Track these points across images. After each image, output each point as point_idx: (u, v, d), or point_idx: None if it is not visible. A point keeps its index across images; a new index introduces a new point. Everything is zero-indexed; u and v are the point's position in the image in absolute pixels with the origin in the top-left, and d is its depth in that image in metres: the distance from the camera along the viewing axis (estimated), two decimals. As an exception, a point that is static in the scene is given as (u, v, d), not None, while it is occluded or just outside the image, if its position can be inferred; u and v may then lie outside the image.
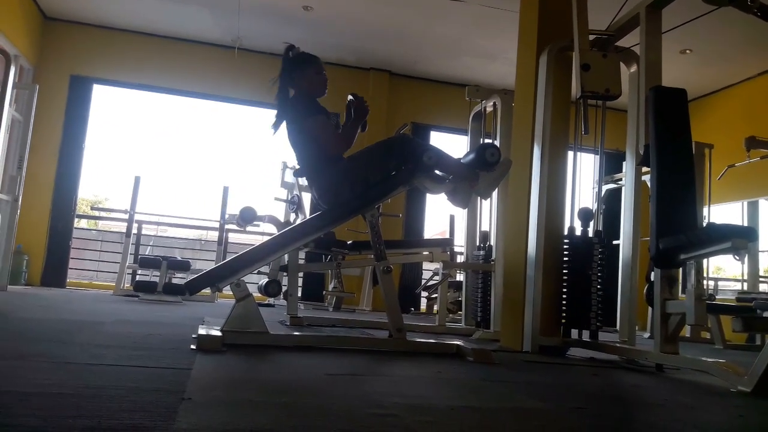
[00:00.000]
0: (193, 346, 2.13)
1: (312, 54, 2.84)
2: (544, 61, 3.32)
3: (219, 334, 2.27)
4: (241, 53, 7.55)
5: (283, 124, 2.79)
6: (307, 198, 6.01)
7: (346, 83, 8.09)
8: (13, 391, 1.23)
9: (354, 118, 2.76)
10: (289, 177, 6.33)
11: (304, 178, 2.86)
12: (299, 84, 2.78)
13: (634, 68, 3.20)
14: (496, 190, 3.97)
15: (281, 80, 2.79)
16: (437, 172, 2.70)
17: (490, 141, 4.45)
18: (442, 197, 2.80)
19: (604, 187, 5.84)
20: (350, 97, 2.80)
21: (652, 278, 2.61)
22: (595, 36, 3.15)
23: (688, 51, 6.87)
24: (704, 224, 4.79)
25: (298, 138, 2.75)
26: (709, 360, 2.31)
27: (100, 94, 7.79)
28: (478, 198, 4.40)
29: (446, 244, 5.10)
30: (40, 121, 6.60)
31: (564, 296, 3.15)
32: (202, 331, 2.30)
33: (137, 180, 6.85)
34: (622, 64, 3.09)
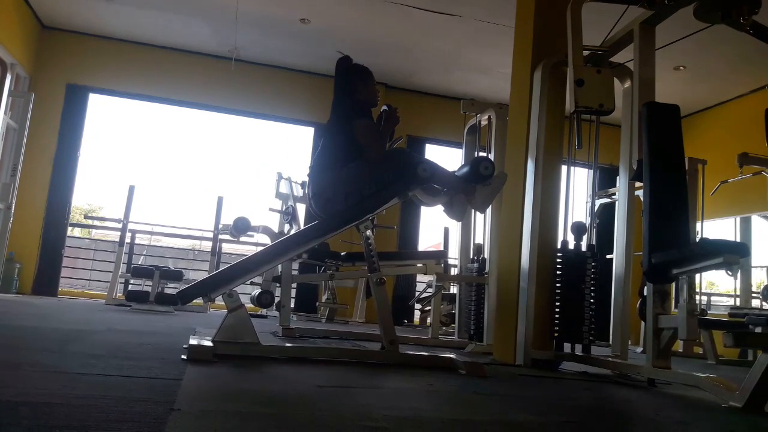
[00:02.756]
0: (183, 357, 2.12)
1: (365, 66, 3.03)
2: (539, 75, 3.35)
3: (210, 344, 2.26)
4: (238, 64, 7.57)
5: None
6: (301, 209, 6.01)
7: (342, 95, 8.12)
8: (2, 401, 1.22)
9: (385, 126, 2.92)
10: (284, 188, 6.34)
11: (309, 175, 2.90)
12: (360, 92, 2.93)
13: (627, 84, 3.22)
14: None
15: (340, 87, 2.94)
16: (432, 185, 2.71)
17: (484, 154, 4.46)
18: (437, 210, 2.81)
19: (598, 202, 5.87)
20: (385, 107, 2.99)
21: (645, 293, 2.62)
22: (589, 52, 3.18)
23: (681, 68, 6.93)
24: (697, 240, 4.80)
25: (337, 133, 2.84)
26: (701, 375, 2.31)
27: (96, 103, 7.78)
28: (473, 211, 4.41)
29: (440, 256, 5.09)
30: (35, 129, 6.59)
31: (557, 310, 3.15)
32: (193, 341, 2.29)
33: (131, 189, 6.84)
34: (615, 80, 3.11)
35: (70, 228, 7.76)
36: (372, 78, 3.00)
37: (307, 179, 2.96)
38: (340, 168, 2.73)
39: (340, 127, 2.83)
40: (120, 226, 6.78)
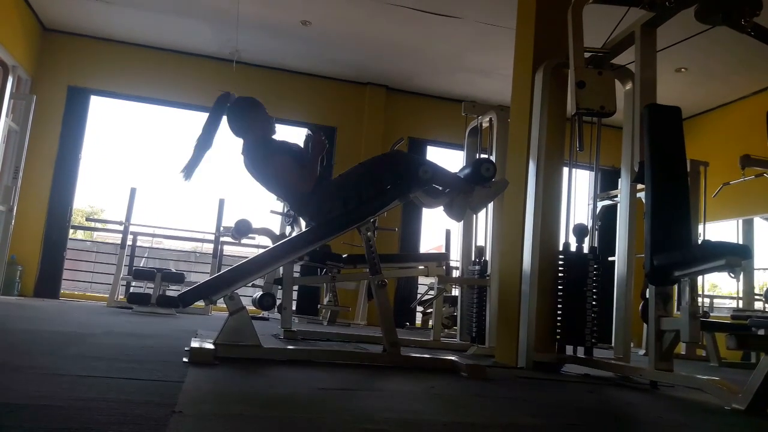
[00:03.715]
0: (185, 359, 2.12)
1: (249, 97, 2.84)
2: (540, 77, 3.34)
3: (211, 347, 2.26)
4: (239, 66, 7.58)
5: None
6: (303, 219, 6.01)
7: (343, 97, 8.15)
8: (3, 403, 1.21)
9: (312, 153, 2.74)
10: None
11: (295, 210, 2.85)
12: (252, 130, 2.76)
13: (629, 86, 3.22)
14: (490, 204, 3.99)
15: (232, 130, 2.77)
16: (433, 186, 2.71)
17: (486, 156, 4.46)
18: (439, 211, 2.80)
19: (600, 204, 5.86)
20: (308, 132, 2.82)
21: (647, 295, 2.61)
22: (590, 53, 3.18)
23: (683, 69, 6.93)
24: (699, 242, 4.80)
25: (269, 183, 2.77)
26: (703, 377, 2.30)
27: (98, 106, 7.80)
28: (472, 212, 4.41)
29: (442, 258, 5.08)
30: (36, 131, 6.60)
31: (559, 312, 3.14)
32: (194, 343, 2.29)
33: (133, 191, 6.85)
34: (617, 82, 3.11)
35: (71, 230, 7.76)
36: (261, 107, 2.82)
37: (292, 215, 2.90)
38: (318, 184, 2.70)
39: (266, 170, 2.73)
40: (121, 228, 6.78)
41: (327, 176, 2.78)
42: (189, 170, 2.68)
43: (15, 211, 5.48)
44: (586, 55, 3.11)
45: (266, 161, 2.71)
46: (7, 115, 5.38)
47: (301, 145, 2.85)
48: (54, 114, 7.26)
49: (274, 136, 2.82)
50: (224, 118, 2.76)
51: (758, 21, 2.71)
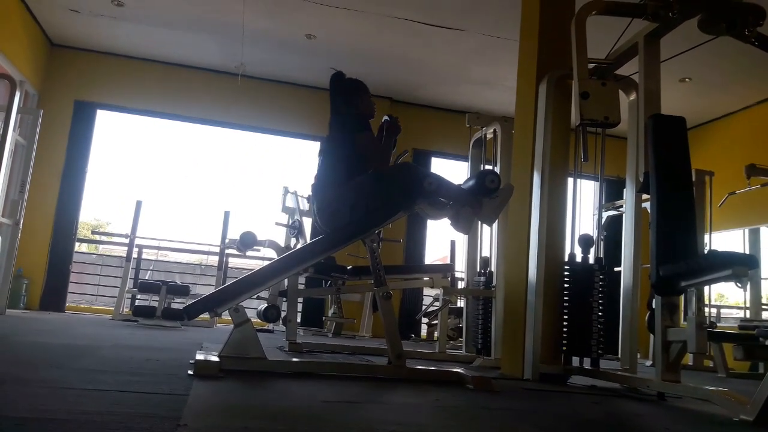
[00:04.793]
0: (190, 372, 2.12)
1: (359, 80, 3.06)
2: (544, 88, 3.35)
3: (216, 359, 2.25)
4: (245, 80, 7.62)
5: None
6: (307, 223, 6.01)
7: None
8: (9, 417, 1.22)
9: (386, 136, 2.95)
10: (290, 202, 6.35)
11: (312, 190, 2.91)
12: (356, 106, 2.96)
13: (633, 96, 3.22)
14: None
15: (336, 102, 2.98)
16: (438, 198, 2.71)
17: (490, 167, 4.46)
18: (444, 223, 2.80)
19: (605, 214, 5.85)
20: (386, 117, 3.00)
21: (654, 305, 2.60)
22: (594, 64, 3.18)
23: (687, 79, 6.93)
24: (705, 251, 4.78)
25: (336, 148, 2.86)
26: (711, 388, 2.28)
27: (104, 120, 7.84)
28: (480, 224, 4.40)
29: (447, 269, 5.07)
30: (43, 145, 6.62)
31: (565, 323, 3.13)
32: (199, 356, 2.28)
33: (138, 204, 6.87)
34: (621, 92, 3.11)
35: (77, 243, 7.78)
36: (367, 91, 3.03)
37: (310, 194, 2.98)
38: (345, 182, 2.74)
39: (341, 141, 2.86)
40: (127, 241, 6.79)
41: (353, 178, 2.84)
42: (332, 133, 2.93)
43: (21, 225, 5.50)
44: (590, 66, 3.11)
45: (355, 135, 2.84)
46: (14, 130, 5.42)
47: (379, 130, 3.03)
48: (61, 128, 7.31)
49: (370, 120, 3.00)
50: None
51: (762, 31, 2.71)
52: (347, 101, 2.96)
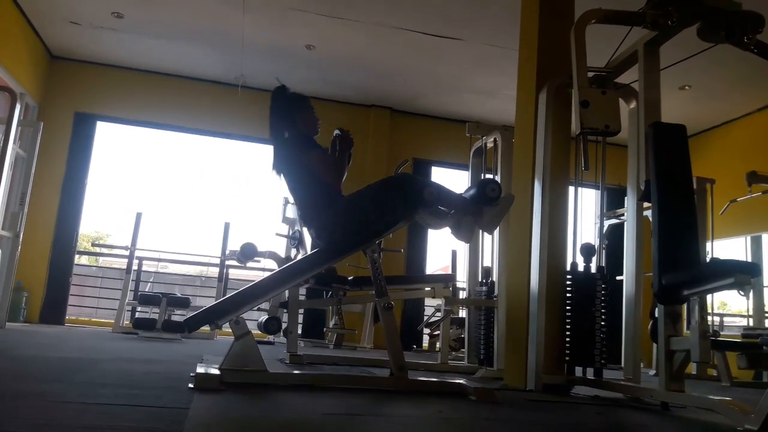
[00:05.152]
0: (191, 385, 2.10)
1: (303, 94, 2.92)
2: (544, 97, 3.35)
3: (217, 372, 2.24)
4: (244, 91, 7.64)
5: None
6: (308, 233, 6.00)
7: (348, 120, 8.18)
8: (9, 431, 1.20)
9: (340, 150, 2.80)
10: (291, 212, 6.34)
11: (302, 220, 2.87)
12: (296, 124, 2.85)
13: (633, 104, 3.22)
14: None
15: (275, 121, 2.86)
16: (439, 207, 2.70)
17: (490, 176, 4.46)
18: (445, 232, 2.79)
19: (606, 223, 5.84)
20: (337, 131, 2.85)
21: (656, 314, 2.58)
22: (594, 73, 3.18)
23: (687, 87, 6.94)
24: (707, 260, 4.77)
25: (298, 176, 2.80)
26: (715, 398, 2.27)
27: (104, 131, 7.85)
28: (481, 233, 4.39)
29: (448, 279, 5.06)
30: (43, 157, 6.63)
31: (567, 333, 3.12)
32: (200, 369, 2.27)
33: (138, 216, 6.86)
34: (621, 101, 3.11)
35: (77, 256, 7.77)
36: (311, 106, 2.91)
37: (301, 223, 2.93)
38: (333, 201, 2.71)
39: (297, 164, 2.78)
40: (127, 253, 6.78)
41: (341, 194, 2.80)
42: (277, 166, 2.83)
43: (21, 237, 5.49)
44: (590, 74, 3.11)
45: (303, 156, 2.77)
46: (14, 142, 5.42)
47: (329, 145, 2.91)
48: (61, 140, 7.32)
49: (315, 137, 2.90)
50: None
51: (761, 38, 2.72)
52: (290, 119, 2.84)
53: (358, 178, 2.73)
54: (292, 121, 2.85)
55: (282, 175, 2.84)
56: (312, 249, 2.84)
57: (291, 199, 6.25)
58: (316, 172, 2.74)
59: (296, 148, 2.80)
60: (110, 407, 1.62)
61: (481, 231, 4.20)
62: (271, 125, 2.86)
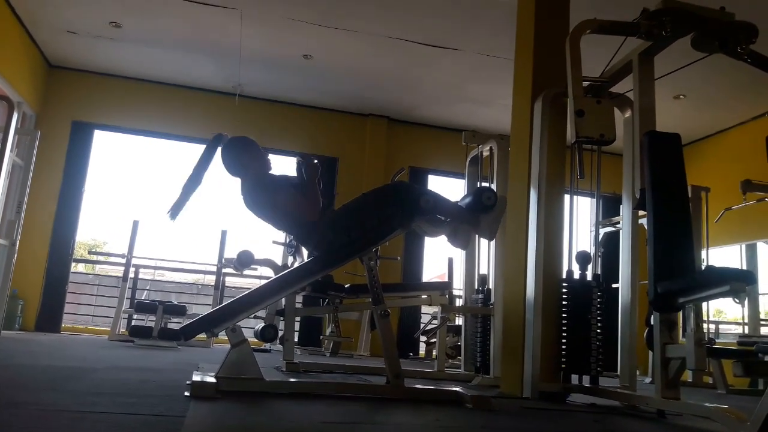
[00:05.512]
0: (187, 393, 2.10)
1: (241, 136, 2.84)
2: (539, 107, 3.37)
3: (213, 380, 2.24)
4: (242, 100, 7.66)
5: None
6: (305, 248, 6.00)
7: (345, 129, 8.22)
8: (2, 441, 1.20)
9: (308, 178, 2.71)
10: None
11: (297, 241, 2.84)
12: (250, 168, 2.75)
13: (628, 113, 3.25)
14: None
15: (230, 172, 2.77)
16: (435, 215, 2.71)
17: (486, 185, 4.47)
18: (441, 240, 2.80)
19: (602, 231, 5.85)
20: (298, 159, 2.77)
21: (652, 322, 2.59)
22: (588, 82, 3.21)
23: (681, 96, 6.98)
24: (702, 267, 4.78)
25: (274, 218, 2.76)
26: (711, 405, 2.27)
27: (101, 140, 7.86)
28: (477, 240, 4.40)
29: (445, 287, 5.06)
30: (40, 165, 6.63)
31: (564, 341, 3.12)
32: (196, 377, 2.27)
33: (135, 224, 6.86)
34: (616, 110, 3.13)
35: (74, 264, 7.76)
36: (254, 145, 2.81)
37: (294, 245, 2.90)
38: (319, 218, 2.70)
39: (275, 208, 2.73)
40: (124, 261, 6.77)
41: (330, 206, 2.79)
42: (176, 210, 2.68)
43: (18, 245, 5.48)
44: (585, 84, 3.14)
45: (270, 198, 2.70)
46: (11, 151, 5.42)
47: (295, 173, 2.81)
48: (58, 148, 7.32)
49: (271, 171, 2.82)
50: (218, 160, 2.75)
51: (755, 48, 2.74)
52: (239, 165, 2.75)
53: (355, 186, 2.74)
54: (244, 167, 2.75)
55: (259, 214, 2.78)
56: (309, 257, 2.83)
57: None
58: (292, 210, 2.68)
59: (260, 193, 2.72)
60: (106, 416, 1.62)
61: (477, 238, 4.22)
62: (230, 173, 2.78)
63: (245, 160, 2.76)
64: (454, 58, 6.56)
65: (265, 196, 2.72)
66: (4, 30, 6.19)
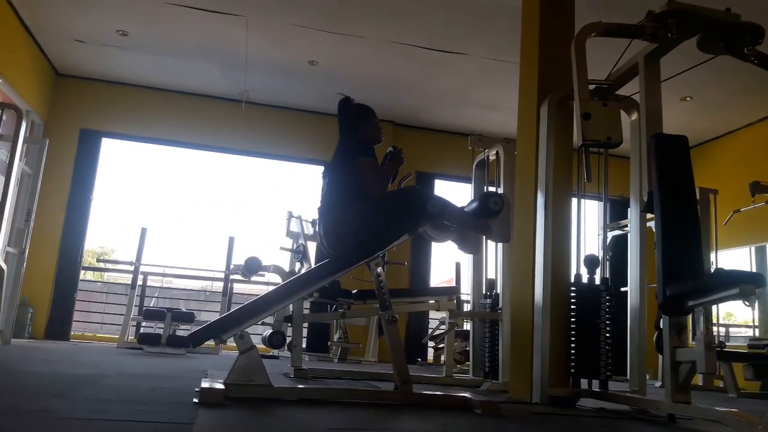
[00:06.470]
0: (195, 400, 2.10)
1: (366, 105, 3.08)
2: (545, 110, 3.37)
3: (222, 387, 2.24)
4: (248, 106, 7.69)
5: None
6: (312, 247, 6.01)
7: (351, 134, 8.21)
8: (12, 449, 1.21)
9: (389, 166, 2.92)
10: (295, 226, 6.35)
11: (319, 216, 2.91)
12: (362, 132, 2.97)
13: (635, 116, 3.23)
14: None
15: (343, 128, 3.01)
16: (443, 220, 2.71)
17: (493, 189, 4.47)
18: (449, 245, 2.80)
19: (610, 234, 5.83)
20: (390, 148, 2.99)
21: (661, 325, 2.58)
22: (595, 85, 3.20)
23: (688, 98, 6.96)
24: (712, 270, 4.76)
25: (341, 171, 2.87)
26: (722, 409, 2.25)
27: (109, 147, 7.90)
28: (484, 245, 4.39)
29: (452, 292, 5.04)
30: (49, 174, 6.67)
31: (572, 345, 3.10)
32: (205, 384, 2.27)
33: (143, 231, 6.88)
34: (622, 112, 3.12)
35: (82, 271, 7.79)
36: (374, 116, 3.04)
37: (317, 218, 2.98)
38: (350, 206, 2.75)
39: (344, 165, 2.86)
40: (132, 268, 6.80)
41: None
42: (329, 166, 2.94)
43: (27, 254, 5.51)
44: (591, 86, 3.13)
45: (356, 159, 2.83)
46: (20, 159, 5.46)
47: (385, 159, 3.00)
48: (66, 157, 7.37)
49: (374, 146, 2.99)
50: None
51: (761, 49, 2.73)
52: (353, 126, 2.98)
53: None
54: (358, 129, 2.97)
55: (327, 177, 2.93)
56: (317, 258, 2.85)
57: (295, 213, 6.30)
58: (361, 174, 2.79)
59: (350, 152, 2.88)
60: (115, 423, 1.62)
61: (485, 241, 4.21)
62: (341, 131, 3.02)
63: (364, 122, 2.99)
64: (460, 63, 6.56)
65: (354, 156, 2.85)
66: (11, 39, 6.24)
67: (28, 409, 1.77)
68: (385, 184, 2.89)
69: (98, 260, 10.79)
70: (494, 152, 4.51)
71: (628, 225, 3.33)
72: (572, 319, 3.12)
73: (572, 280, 3.23)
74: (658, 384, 5.19)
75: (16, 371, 3.03)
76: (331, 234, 2.77)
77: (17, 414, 1.66)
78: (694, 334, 2.43)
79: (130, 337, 6.52)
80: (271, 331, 5.04)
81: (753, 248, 7.26)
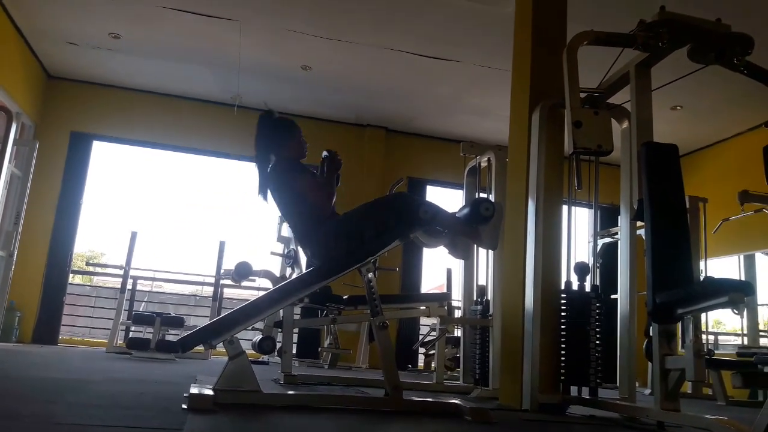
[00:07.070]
0: (184, 406, 2.09)
1: (290, 118, 2.95)
2: (537, 118, 3.38)
3: (211, 393, 2.22)
4: (240, 111, 7.66)
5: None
6: (304, 254, 5.99)
7: (343, 139, 8.23)
8: (-3, 454, 1.19)
9: (329, 171, 2.81)
10: (286, 231, 6.33)
11: (297, 242, 2.88)
12: (284, 148, 2.86)
13: (625, 124, 3.25)
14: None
15: (261, 145, 2.85)
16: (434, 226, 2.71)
17: (484, 195, 4.48)
18: (440, 251, 2.80)
19: (600, 241, 5.86)
20: (325, 152, 2.85)
21: (651, 333, 2.59)
22: (586, 93, 3.22)
23: (678, 107, 7.01)
24: (701, 278, 4.78)
25: (288, 201, 2.81)
26: (711, 417, 2.26)
27: (100, 151, 7.86)
28: (476, 252, 4.40)
29: (443, 298, 5.04)
30: (39, 176, 6.64)
31: (562, 352, 3.11)
32: (193, 389, 2.25)
33: (133, 235, 6.84)
34: (613, 121, 3.14)
35: (71, 275, 7.74)
36: (298, 129, 2.94)
37: (296, 245, 2.93)
38: (323, 221, 2.72)
39: (291, 191, 2.79)
40: (122, 272, 6.75)
41: (335, 214, 2.81)
42: (262, 191, 2.81)
43: (15, 257, 5.48)
44: (582, 95, 3.15)
45: (292, 181, 2.77)
46: (10, 161, 5.43)
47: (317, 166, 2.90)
48: (56, 159, 7.32)
49: (302, 160, 2.92)
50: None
51: (750, 59, 2.76)
52: (275, 144, 2.85)
53: (353, 197, 2.75)
54: (279, 146, 2.85)
55: (271, 197, 2.84)
56: (307, 268, 2.84)
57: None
58: (307, 197, 2.74)
59: (285, 173, 2.80)
60: (103, 428, 1.61)
61: (476, 248, 4.22)
62: (257, 149, 2.84)
63: (286, 138, 2.87)
64: (453, 70, 6.59)
65: (290, 178, 2.77)
66: (3, 41, 6.21)
67: (15, 413, 1.76)
68: (329, 194, 2.78)
69: (87, 264, 10.72)
70: (486, 159, 4.53)
71: (619, 233, 3.34)
72: (562, 327, 3.13)
73: (562, 287, 3.24)
74: (647, 391, 5.21)
75: (2, 375, 3.01)
76: (318, 251, 2.74)
77: (5, 419, 1.65)
78: (683, 342, 2.44)
79: (119, 342, 6.47)
80: (261, 336, 5.01)
81: (742, 257, 7.31)
